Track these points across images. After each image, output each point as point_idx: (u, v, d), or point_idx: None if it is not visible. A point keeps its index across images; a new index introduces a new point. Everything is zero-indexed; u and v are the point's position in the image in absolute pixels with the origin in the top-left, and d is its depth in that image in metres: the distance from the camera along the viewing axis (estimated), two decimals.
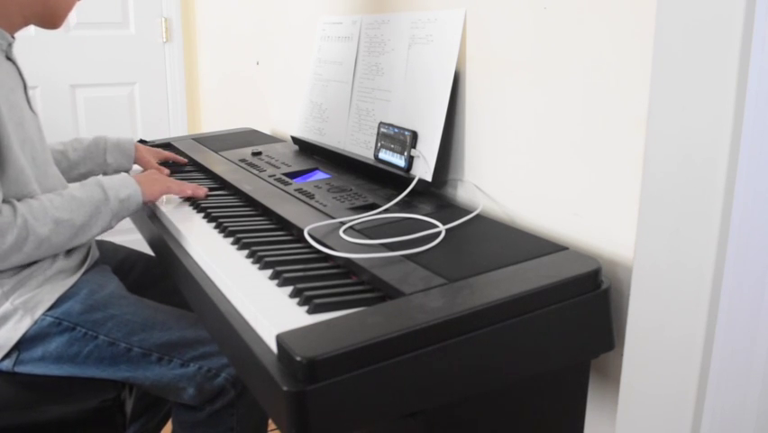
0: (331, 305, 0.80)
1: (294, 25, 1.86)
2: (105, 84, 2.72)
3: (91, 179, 1.14)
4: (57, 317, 1.09)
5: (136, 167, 1.54)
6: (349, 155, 1.41)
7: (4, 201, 1.02)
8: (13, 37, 1.14)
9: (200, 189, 1.28)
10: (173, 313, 1.17)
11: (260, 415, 1.20)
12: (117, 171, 1.50)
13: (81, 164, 1.44)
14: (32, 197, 1.08)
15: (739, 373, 1.06)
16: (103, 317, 1.11)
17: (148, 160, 1.53)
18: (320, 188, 1.26)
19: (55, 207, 1.05)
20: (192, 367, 1.11)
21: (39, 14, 1.14)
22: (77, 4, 1.21)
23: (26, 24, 1.15)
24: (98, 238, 1.26)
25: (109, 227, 1.13)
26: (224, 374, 1.11)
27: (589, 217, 0.96)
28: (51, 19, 1.17)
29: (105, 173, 1.50)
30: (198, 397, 1.11)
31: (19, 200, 1.04)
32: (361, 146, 1.39)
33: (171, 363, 1.11)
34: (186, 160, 1.63)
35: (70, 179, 1.36)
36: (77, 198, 1.09)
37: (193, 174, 1.52)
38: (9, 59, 1.13)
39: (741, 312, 1.02)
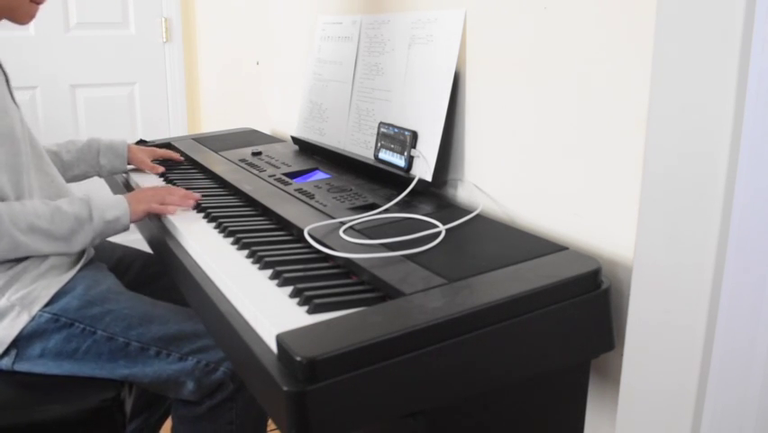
0: (331, 305, 0.80)
1: (294, 25, 1.86)
2: (105, 84, 2.71)
3: (82, 196, 1.14)
4: (54, 314, 1.09)
5: (131, 167, 1.55)
6: (349, 155, 1.41)
7: None
8: None
9: (187, 201, 1.23)
10: (171, 307, 1.18)
11: (260, 409, 1.20)
12: (111, 173, 1.51)
13: (75, 166, 1.45)
14: (19, 190, 1.09)
15: (739, 372, 1.06)
16: (100, 313, 1.11)
17: (142, 159, 1.53)
18: (320, 188, 1.26)
19: (37, 216, 1.06)
20: (190, 361, 1.11)
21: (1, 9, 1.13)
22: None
23: None
24: None
25: (93, 244, 1.14)
26: (222, 368, 1.12)
27: (589, 217, 0.96)
28: (10, 12, 1.14)
29: (99, 175, 1.51)
30: (198, 392, 1.12)
31: (2, 199, 1.04)
32: (361, 146, 1.39)
33: (170, 357, 1.11)
34: (182, 158, 1.63)
35: (65, 181, 1.36)
36: (62, 210, 1.09)
37: (193, 174, 1.52)
38: None
39: (741, 312, 1.02)
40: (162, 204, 1.20)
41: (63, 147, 1.45)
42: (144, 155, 1.54)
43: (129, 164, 1.53)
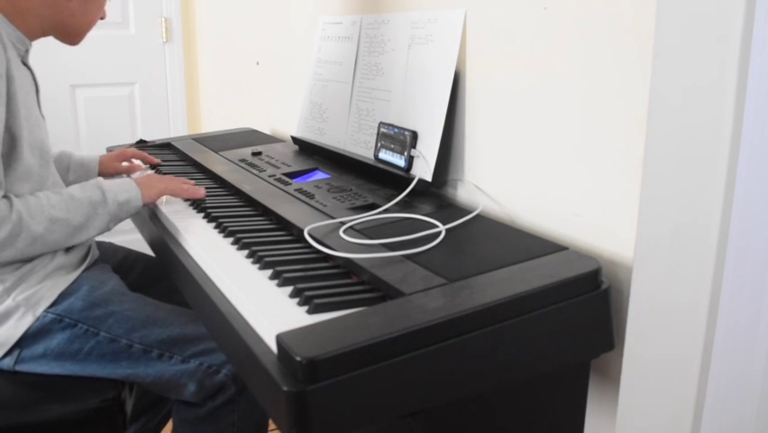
0: (331, 305, 0.80)
1: (294, 25, 1.87)
2: (105, 84, 2.72)
3: (92, 181, 1.15)
4: (58, 314, 1.09)
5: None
6: (349, 155, 1.41)
7: (4, 196, 1.03)
8: (30, 44, 1.17)
9: (198, 191, 1.25)
10: (174, 310, 1.18)
11: (262, 411, 1.20)
12: None
13: None
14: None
15: (739, 373, 1.06)
16: (104, 314, 1.11)
17: (113, 166, 1.49)
18: (320, 188, 1.26)
19: (52, 206, 1.06)
20: (193, 363, 1.11)
21: (56, 30, 1.18)
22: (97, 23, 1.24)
23: (44, 35, 1.18)
24: (97, 239, 1.26)
25: (107, 229, 1.14)
26: (224, 370, 1.12)
27: (589, 217, 0.96)
28: (69, 37, 1.20)
29: None
30: (199, 393, 1.12)
31: (18, 196, 1.05)
32: (361, 146, 1.39)
33: (172, 360, 1.11)
34: (157, 160, 1.59)
35: None
36: (75, 197, 1.09)
37: (193, 174, 1.52)
38: (25, 64, 1.16)
39: (741, 312, 1.02)
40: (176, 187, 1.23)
41: None
42: (114, 161, 1.50)
43: (100, 176, 1.48)
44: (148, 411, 1.43)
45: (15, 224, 1.01)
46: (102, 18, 1.24)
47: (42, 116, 1.19)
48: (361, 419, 0.70)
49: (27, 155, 1.08)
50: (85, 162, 1.47)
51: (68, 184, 1.43)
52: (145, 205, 1.19)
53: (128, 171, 1.50)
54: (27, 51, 1.17)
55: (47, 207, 1.05)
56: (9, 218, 1.00)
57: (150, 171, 1.55)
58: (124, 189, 1.15)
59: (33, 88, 1.17)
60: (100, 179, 1.17)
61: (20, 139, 1.06)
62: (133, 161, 1.54)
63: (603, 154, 0.93)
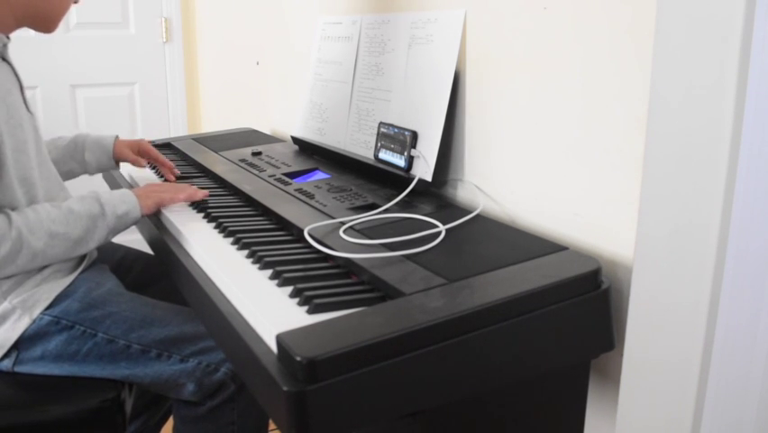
0: (331, 305, 0.80)
1: (294, 25, 1.87)
2: (105, 84, 2.72)
3: (90, 193, 1.14)
4: (55, 316, 1.09)
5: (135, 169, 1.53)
6: (349, 155, 1.41)
7: (0, 211, 1.02)
8: (7, 38, 1.13)
9: (197, 193, 1.25)
10: (171, 309, 1.18)
11: (261, 409, 1.20)
12: (99, 170, 1.47)
13: (61, 162, 1.40)
14: (32, 202, 1.08)
15: (739, 373, 1.06)
16: (101, 315, 1.11)
17: (125, 153, 1.46)
18: (320, 188, 1.26)
19: (51, 220, 1.05)
20: (191, 362, 1.11)
21: (31, 18, 1.13)
22: (72, 7, 1.20)
23: (19, 26, 1.14)
24: None
25: (106, 241, 1.13)
26: (223, 369, 1.12)
27: (589, 217, 0.96)
28: (44, 23, 1.15)
29: (86, 172, 1.46)
30: (198, 392, 1.12)
31: (14, 209, 1.04)
32: (361, 146, 1.39)
33: (171, 359, 1.11)
34: (170, 163, 1.51)
35: None
36: (74, 211, 1.08)
37: (193, 174, 1.52)
38: (4, 60, 1.13)
39: (741, 312, 1.02)
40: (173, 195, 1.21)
41: (51, 144, 1.40)
42: (127, 148, 1.47)
43: (117, 159, 1.46)
44: (148, 409, 1.43)
45: (15, 240, 1.00)
46: (75, 2, 1.19)
47: (31, 113, 1.15)
48: (360, 419, 0.70)
49: (11, 160, 1.04)
50: (101, 142, 1.44)
51: (86, 165, 1.43)
52: (144, 216, 1.18)
53: (133, 162, 1.46)
54: (5, 46, 1.12)
55: (46, 221, 1.04)
56: (9, 235, 1.00)
57: (150, 171, 1.55)
58: (123, 201, 1.14)
59: (16, 85, 1.12)
60: (99, 190, 1.15)
61: (1, 144, 1.02)
62: (141, 160, 1.47)
63: (603, 154, 0.93)
